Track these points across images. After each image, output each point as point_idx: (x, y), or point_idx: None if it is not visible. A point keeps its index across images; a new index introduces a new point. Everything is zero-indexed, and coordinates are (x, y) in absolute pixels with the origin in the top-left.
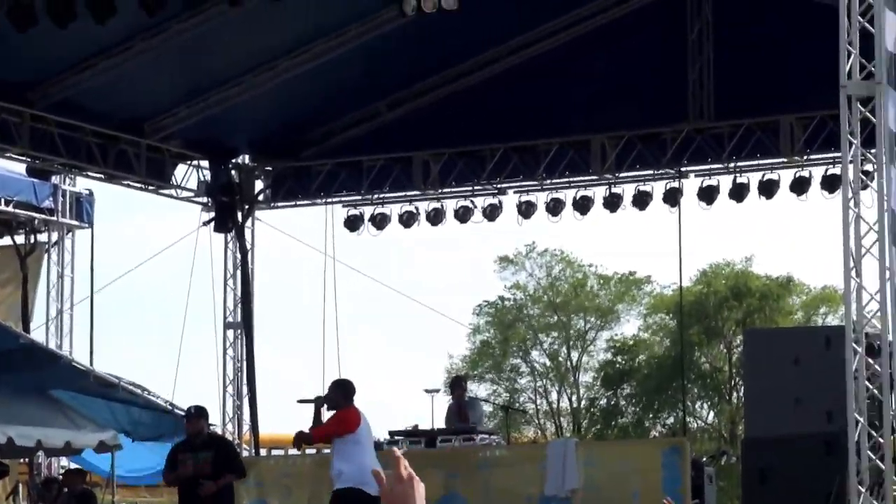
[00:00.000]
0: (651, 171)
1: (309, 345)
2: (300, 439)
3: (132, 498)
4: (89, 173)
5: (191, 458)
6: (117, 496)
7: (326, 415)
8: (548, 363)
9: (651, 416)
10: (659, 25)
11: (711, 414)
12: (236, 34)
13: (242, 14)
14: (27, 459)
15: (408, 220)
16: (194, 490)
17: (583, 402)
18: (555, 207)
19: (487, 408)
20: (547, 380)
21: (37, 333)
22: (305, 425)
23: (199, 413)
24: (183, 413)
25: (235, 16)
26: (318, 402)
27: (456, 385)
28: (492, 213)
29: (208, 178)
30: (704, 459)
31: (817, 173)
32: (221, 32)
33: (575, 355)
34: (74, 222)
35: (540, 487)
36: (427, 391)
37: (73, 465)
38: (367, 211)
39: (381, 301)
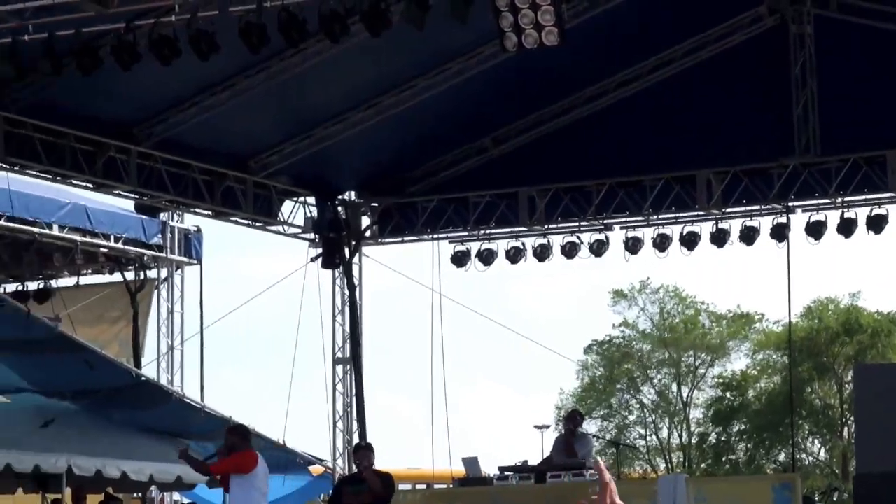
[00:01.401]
0: (758, 207)
1: (417, 380)
2: (197, 471)
3: None
4: (197, 210)
5: (355, 490)
6: None
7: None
8: (657, 399)
9: (763, 452)
10: (762, 60)
11: (823, 450)
12: (339, 71)
13: (344, 50)
14: (140, 494)
15: (514, 255)
16: None
17: (693, 439)
18: (661, 243)
19: (597, 444)
20: (657, 415)
21: (148, 369)
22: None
23: (368, 446)
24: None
25: (337, 52)
26: (216, 453)
27: (569, 419)
28: (598, 248)
29: (315, 214)
30: (816, 496)
31: None
32: (324, 69)
33: (685, 391)
34: (183, 259)
35: None
36: (537, 427)
37: (186, 501)
38: (474, 247)
39: (488, 336)
